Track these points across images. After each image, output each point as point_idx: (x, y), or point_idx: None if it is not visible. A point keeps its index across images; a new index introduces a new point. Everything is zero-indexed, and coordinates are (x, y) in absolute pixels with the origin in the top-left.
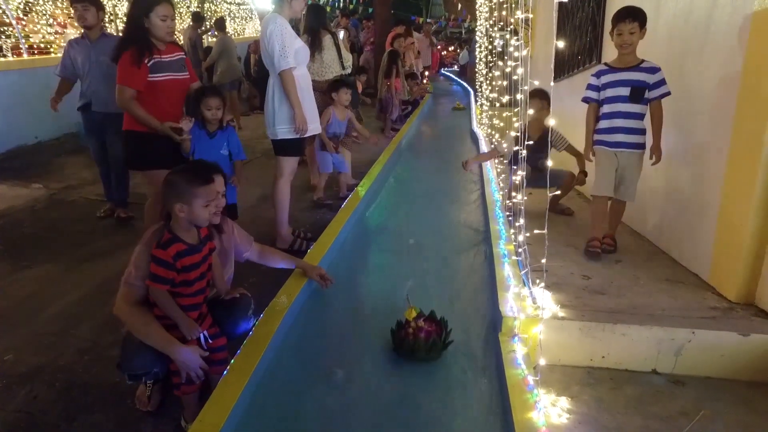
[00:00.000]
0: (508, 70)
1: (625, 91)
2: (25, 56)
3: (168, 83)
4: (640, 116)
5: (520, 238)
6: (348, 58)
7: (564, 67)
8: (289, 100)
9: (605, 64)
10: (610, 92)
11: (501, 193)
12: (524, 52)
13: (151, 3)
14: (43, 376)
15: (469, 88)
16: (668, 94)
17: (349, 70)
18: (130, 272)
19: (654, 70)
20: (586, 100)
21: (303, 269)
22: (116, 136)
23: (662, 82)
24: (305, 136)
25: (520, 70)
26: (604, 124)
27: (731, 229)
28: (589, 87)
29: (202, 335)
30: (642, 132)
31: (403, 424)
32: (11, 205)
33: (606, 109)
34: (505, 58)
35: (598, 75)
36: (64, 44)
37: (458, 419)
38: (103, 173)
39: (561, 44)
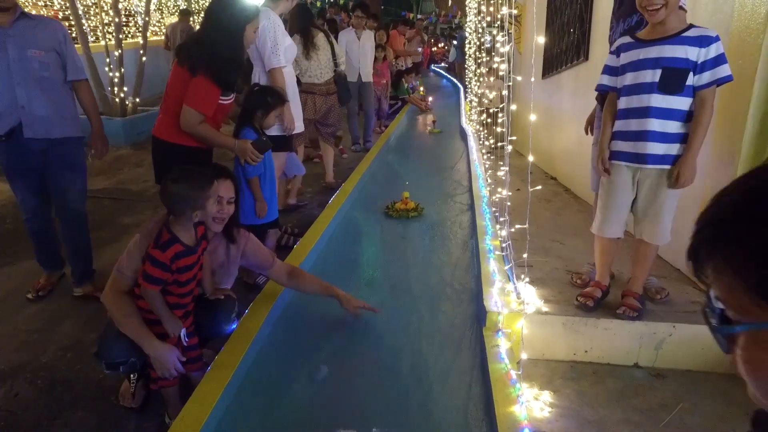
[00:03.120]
0: (495, 66)
1: (653, 76)
2: None
3: (227, 106)
4: (678, 114)
5: (504, 233)
6: (341, 54)
7: (552, 63)
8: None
9: (631, 35)
10: (630, 77)
11: (488, 188)
12: (508, 47)
13: (252, 13)
14: (25, 374)
15: (458, 84)
16: (729, 79)
17: (342, 67)
18: (122, 260)
19: (706, 40)
20: (600, 88)
21: (339, 299)
22: (71, 173)
23: (720, 60)
24: (291, 134)
25: (504, 66)
26: (619, 125)
27: None
28: (605, 69)
29: (182, 332)
30: (680, 138)
31: (393, 419)
32: None
33: (623, 103)
34: (493, 54)
35: (617, 52)
36: None
37: (442, 415)
38: (40, 231)
39: (545, 41)
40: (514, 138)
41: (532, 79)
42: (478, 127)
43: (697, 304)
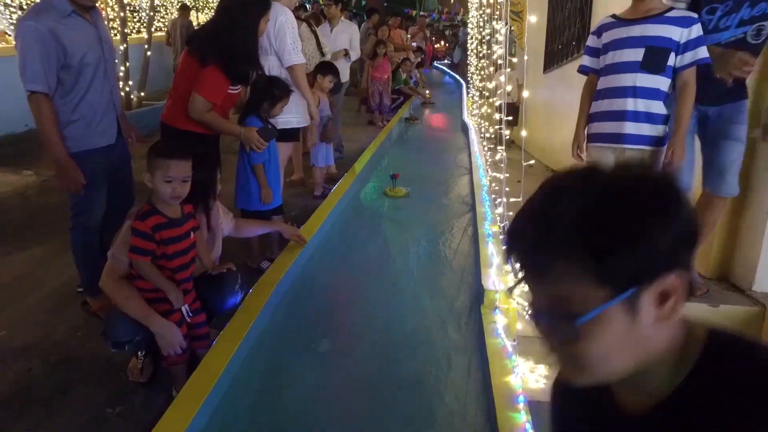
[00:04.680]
0: (495, 56)
1: (635, 54)
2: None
3: (234, 96)
4: (660, 94)
5: (499, 210)
6: (327, 44)
7: (554, 57)
8: (300, 91)
9: (613, 15)
10: (612, 56)
11: (488, 178)
12: (504, 28)
13: (265, 7)
14: (38, 352)
15: (461, 80)
16: (708, 60)
17: (328, 57)
18: (116, 246)
19: (687, 21)
20: (581, 70)
21: (280, 231)
22: (130, 168)
23: (700, 41)
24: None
25: (500, 50)
26: (601, 105)
27: None
28: (586, 50)
29: (184, 308)
30: (662, 119)
31: (396, 408)
32: (2, 191)
33: (604, 83)
34: (494, 47)
35: (598, 32)
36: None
37: (442, 385)
38: (96, 245)
39: (545, 37)
40: (523, 134)
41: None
42: (480, 120)
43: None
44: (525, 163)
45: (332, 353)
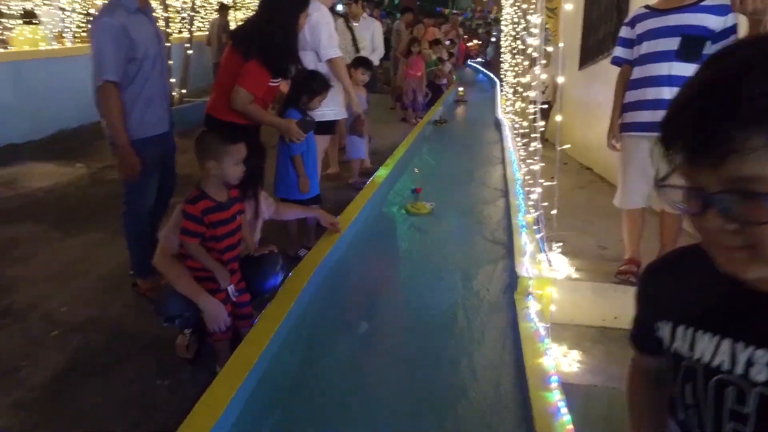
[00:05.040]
0: (530, 50)
1: (672, 43)
2: (68, 44)
3: (275, 89)
4: None
5: (534, 196)
6: (362, 39)
7: (590, 53)
8: (342, 83)
9: (646, 6)
10: (647, 46)
11: (521, 172)
12: (539, 20)
13: (304, 3)
14: (94, 326)
15: (494, 78)
16: None
17: (364, 52)
18: (168, 228)
19: (723, 9)
20: (615, 61)
21: (317, 217)
22: (174, 164)
23: (734, 30)
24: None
25: (535, 41)
26: (636, 95)
27: None
28: (619, 42)
29: (229, 288)
30: None
31: (431, 385)
32: (58, 182)
33: (638, 72)
34: (528, 40)
35: (632, 23)
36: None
37: (477, 367)
38: (147, 233)
39: (581, 31)
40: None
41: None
42: (514, 117)
43: None
44: (559, 148)
45: (369, 335)
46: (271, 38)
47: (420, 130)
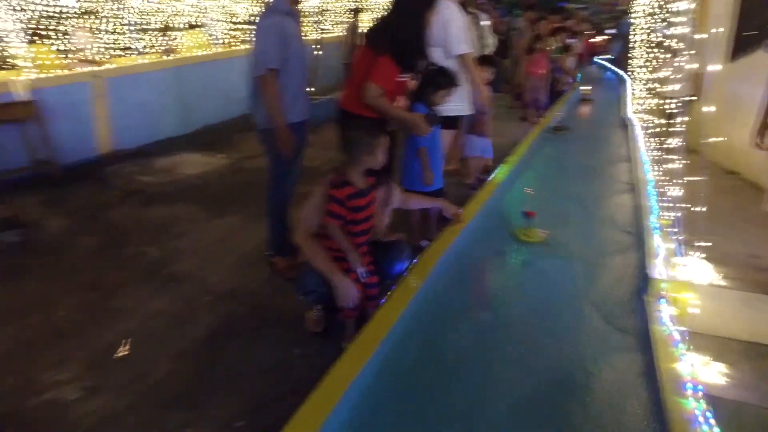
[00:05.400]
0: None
1: None
2: (218, 49)
3: (403, 84)
4: None
5: (672, 191)
6: (488, 36)
7: (746, 42)
8: (471, 79)
9: None
10: None
11: (653, 174)
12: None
13: (433, 1)
14: (238, 296)
15: (624, 75)
16: None
17: (488, 51)
18: (309, 209)
19: None
20: None
21: (441, 207)
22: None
23: None
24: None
25: (679, 30)
26: None
27: None
28: None
29: (360, 269)
30: None
31: (549, 371)
32: (204, 171)
33: None
34: (670, 30)
35: None
36: None
37: (605, 366)
38: (286, 216)
39: (740, 16)
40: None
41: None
42: (645, 116)
43: None
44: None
45: (491, 325)
46: (400, 34)
47: (537, 134)
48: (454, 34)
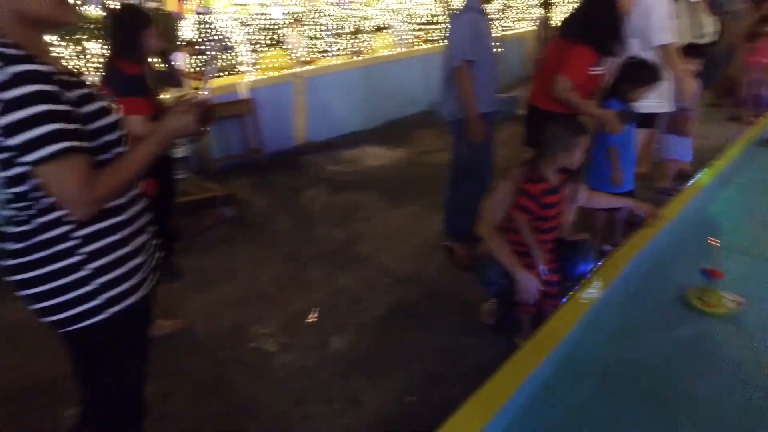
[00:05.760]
0: None
1: None
2: (401, 49)
3: (597, 78)
4: None
5: None
6: (708, 23)
7: None
8: (672, 72)
9: None
10: None
11: None
12: None
13: None
14: (415, 282)
15: None
16: None
17: (706, 39)
18: (493, 201)
19: None
20: None
21: (632, 207)
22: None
23: None
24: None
25: None
26: None
27: None
28: None
29: (542, 267)
30: None
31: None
32: (385, 163)
33: None
34: None
35: None
36: None
37: None
38: (474, 206)
39: None
40: None
41: None
42: None
43: None
44: None
45: (687, 337)
46: (595, 17)
47: (749, 140)
48: (656, 22)
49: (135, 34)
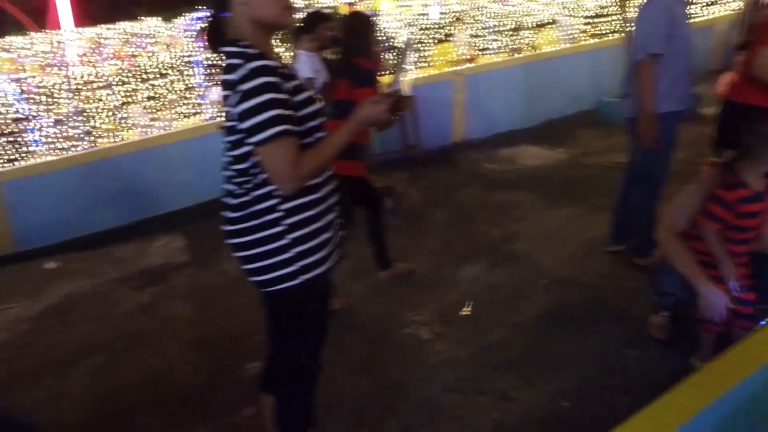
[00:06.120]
0: None
1: None
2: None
3: None
4: None
5: None
6: None
7: None
8: None
9: None
10: None
11: None
12: None
13: None
14: (573, 285)
15: None
16: None
17: None
18: (677, 206)
19: None
20: None
21: None
22: None
23: None
24: None
25: None
26: None
27: None
28: None
29: (732, 283)
30: None
31: None
32: (543, 163)
33: None
34: None
35: None
36: None
37: None
38: (653, 209)
39: None
40: None
41: None
42: None
43: None
44: None
45: None
46: None
47: None
48: None
49: (365, 36)
